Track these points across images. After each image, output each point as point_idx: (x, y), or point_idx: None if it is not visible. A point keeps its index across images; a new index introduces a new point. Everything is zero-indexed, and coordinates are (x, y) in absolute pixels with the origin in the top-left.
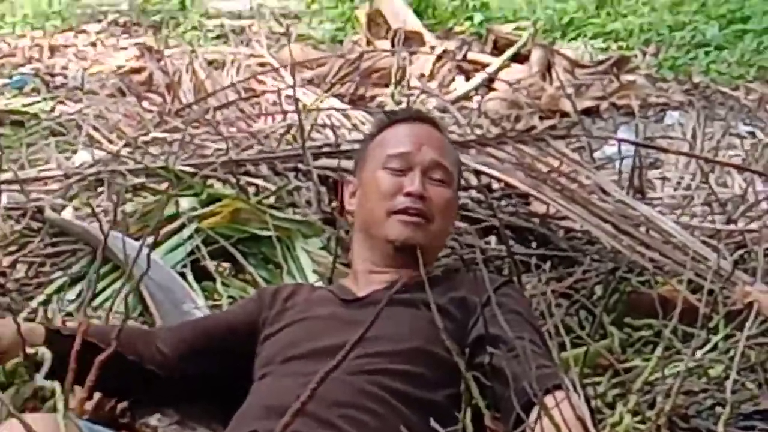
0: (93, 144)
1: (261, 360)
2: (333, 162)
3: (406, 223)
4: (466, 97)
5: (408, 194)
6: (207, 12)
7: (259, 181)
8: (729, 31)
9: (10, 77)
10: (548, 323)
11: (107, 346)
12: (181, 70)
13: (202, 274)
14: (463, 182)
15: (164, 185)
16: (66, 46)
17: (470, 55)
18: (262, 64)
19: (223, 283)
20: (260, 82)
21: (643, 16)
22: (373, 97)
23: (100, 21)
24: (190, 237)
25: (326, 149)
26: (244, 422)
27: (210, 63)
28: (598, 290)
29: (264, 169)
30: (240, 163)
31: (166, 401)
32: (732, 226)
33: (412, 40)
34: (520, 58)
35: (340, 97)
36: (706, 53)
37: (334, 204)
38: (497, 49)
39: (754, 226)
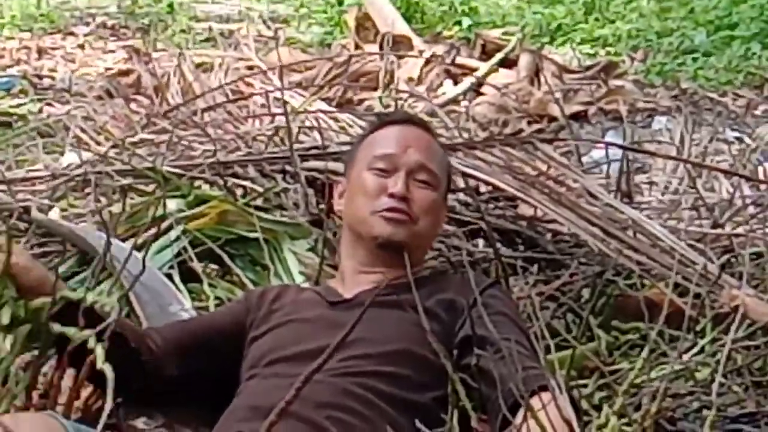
0: (80, 145)
1: (247, 362)
2: (320, 164)
3: (389, 220)
4: (455, 101)
5: (391, 195)
6: (195, 15)
7: (247, 183)
8: (717, 37)
9: None
10: (535, 326)
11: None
12: (169, 73)
13: (189, 276)
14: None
15: (151, 187)
16: (54, 49)
17: (458, 60)
18: (250, 67)
19: (210, 285)
20: (248, 84)
21: (631, 22)
22: (361, 101)
23: (88, 24)
24: (177, 238)
25: (314, 151)
26: (230, 424)
27: (198, 66)
28: (586, 293)
29: (251, 170)
30: (227, 164)
31: (153, 401)
32: (719, 230)
33: (400, 44)
34: (508, 62)
35: (328, 100)
36: (694, 59)
37: (322, 206)
38: (485, 54)
39: (740, 230)
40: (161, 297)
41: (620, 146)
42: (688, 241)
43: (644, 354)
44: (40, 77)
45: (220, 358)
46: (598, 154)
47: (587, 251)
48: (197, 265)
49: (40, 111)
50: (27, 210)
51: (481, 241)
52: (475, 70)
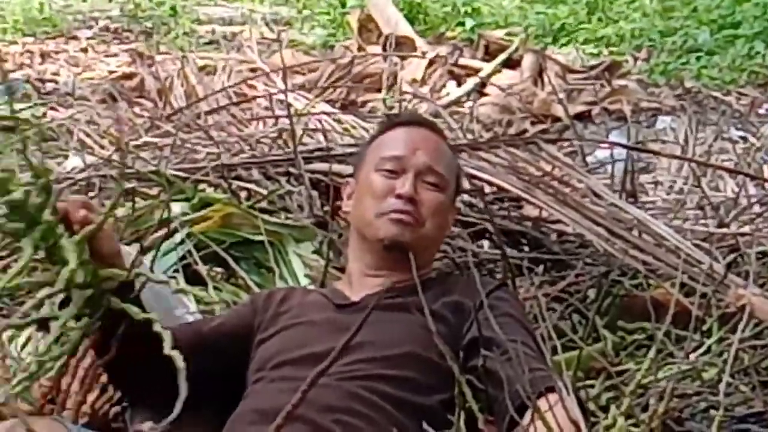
0: (84, 149)
1: (254, 365)
2: (325, 166)
3: (395, 222)
4: (458, 102)
5: (398, 196)
6: (198, 18)
7: (251, 186)
8: (720, 36)
9: (1, 83)
10: (542, 327)
11: None
12: (172, 76)
13: (194, 279)
14: None
15: (156, 190)
16: (57, 52)
17: (462, 61)
18: (253, 70)
19: (215, 288)
20: (251, 87)
21: (635, 22)
22: (364, 103)
23: (91, 27)
24: (182, 242)
25: (318, 153)
26: (237, 427)
27: (201, 69)
28: (591, 293)
29: (255, 173)
30: (231, 167)
31: (160, 404)
32: (724, 230)
33: (403, 45)
34: (511, 63)
35: (331, 102)
36: (698, 58)
37: (326, 208)
38: (489, 55)
39: (746, 229)
40: (166, 301)
41: (624, 146)
42: (694, 240)
43: (651, 354)
44: (43, 81)
45: (226, 361)
46: (602, 154)
47: (592, 251)
48: (202, 268)
49: (44, 115)
50: None
51: (486, 243)
52: (478, 70)
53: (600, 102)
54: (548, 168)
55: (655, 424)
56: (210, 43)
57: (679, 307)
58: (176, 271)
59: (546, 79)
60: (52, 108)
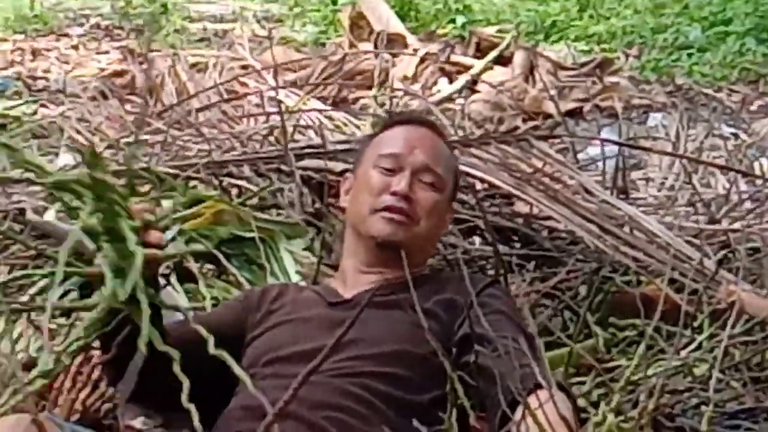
0: (75, 146)
1: (246, 361)
2: (316, 163)
3: (388, 220)
4: (450, 99)
5: (393, 194)
6: (189, 15)
7: (242, 183)
8: (711, 33)
9: None
10: (532, 323)
11: None
12: (163, 73)
13: (185, 276)
14: None
15: (147, 187)
16: (48, 50)
17: (453, 58)
18: (244, 67)
19: (206, 285)
20: (243, 84)
21: (626, 19)
22: (356, 100)
23: (82, 25)
24: (173, 239)
25: (309, 150)
26: (227, 424)
27: (192, 66)
28: (583, 290)
29: (247, 170)
30: (222, 164)
31: (152, 400)
32: (715, 226)
33: (395, 42)
34: (503, 60)
35: (323, 99)
36: (689, 55)
37: (317, 205)
38: (480, 52)
39: (737, 225)
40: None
41: (616, 143)
42: (685, 236)
43: (640, 350)
44: (34, 79)
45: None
46: (593, 150)
47: (584, 248)
48: (193, 265)
49: (35, 112)
50: (22, 211)
51: (477, 239)
52: (469, 67)
53: (591, 99)
54: (539, 165)
55: (645, 420)
56: (201, 40)
57: (670, 304)
58: (167, 267)
59: (537, 76)
60: (43, 105)
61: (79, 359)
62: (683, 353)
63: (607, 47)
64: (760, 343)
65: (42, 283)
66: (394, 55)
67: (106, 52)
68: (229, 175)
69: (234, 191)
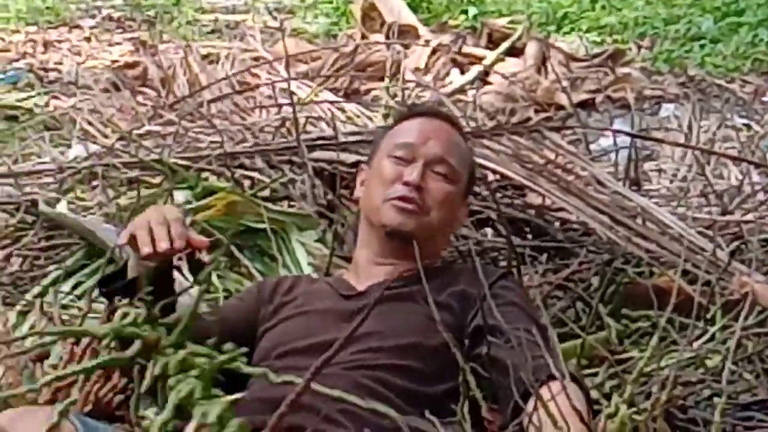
0: (87, 138)
1: (259, 353)
2: (328, 154)
3: (398, 209)
4: (462, 90)
5: (405, 183)
6: (201, 7)
7: (254, 174)
8: (724, 23)
9: (5, 72)
10: (545, 315)
11: None
12: (175, 65)
13: (197, 267)
14: None
15: (159, 179)
16: (60, 42)
17: (465, 49)
18: (256, 59)
19: (218, 276)
20: (255, 75)
21: (638, 10)
22: (368, 91)
23: (94, 16)
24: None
25: (321, 142)
26: (240, 415)
27: (204, 57)
28: (595, 281)
29: (259, 161)
30: (235, 155)
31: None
32: (728, 217)
33: (406, 33)
34: (515, 51)
35: (334, 90)
36: (701, 46)
37: (329, 196)
38: (492, 43)
39: (750, 216)
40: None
41: (628, 134)
42: (698, 228)
43: (653, 342)
44: (46, 70)
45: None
46: (606, 142)
47: (596, 239)
48: (206, 257)
49: (47, 104)
50: (34, 203)
51: (489, 230)
52: (481, 59)
53: (603, 90)
54: (552, 156)
55: (657, 412)
56: (213, 31)
57: (683, 295)
58: (180, 259)
59: (549, 68)
60: (55, 97)
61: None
62: (696, 345)
63: (619, 38)
64: None
65: (54, 274)
66: (406, 47)
67: (118, 44)
68: (241, 166)
69: (246, 183)
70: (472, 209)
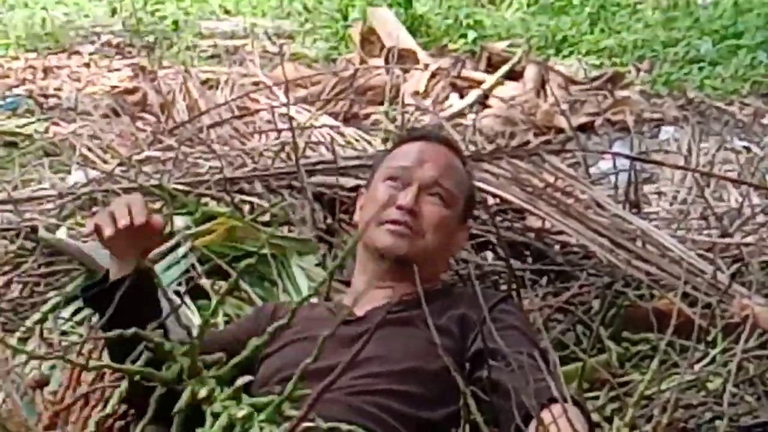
0: (87, 164)
1: (258, 380)
2: (327, 179)
3: (392, 233)
4: (461, 114)
5: (399, 207)
6: (200, 32)
7: (254, 199)
8: (723, 46)
9: (4, 99)
10: (545, 338)
11: None
12: (174, 90)
13: (197, 293)
14: None
15: (158, 204)
16: (59, 68)
17: (464, 73)
18: (255, 83)
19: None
20: (254, 100)
21: (637, 33)
22: (367, 115)
23: (93, 42)
24: (185, 255)
25: (320, 166)
26: None
27: (203, 83)
28: (596, 305)
29: (258, 186)
30: (234, 180)
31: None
32: (728, 240)
33: (405, 57)
34: (514, 75)
35: (334, 115)
36: (700, 69)
37: (329, 221)
38: (491, 67)
39: (750, 239)
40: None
41: (628, 156)
42: (698, 250)
43: (654, 365)
44: (45, 96)
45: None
46: (605, 165)
47: (596, 262)
48: (206, 282)
49: (46, 130)
50: (34, 229)
51: (489, 254)
52: (481, 82)
53: (603, 113)
54: (551, 179)
55: None
56: (212, 57)
57: (683, 318)
58: (180, 284)
59: (549, 91)
60: (54, 123)
61: (91, 377)
62: (697, 367)
63: (618, 61)
64: None
65: (54, 300)
66: (405, 71)
67: (118, 70)
68: (241, 191)
69: (246, 208)
70: (472, 233)
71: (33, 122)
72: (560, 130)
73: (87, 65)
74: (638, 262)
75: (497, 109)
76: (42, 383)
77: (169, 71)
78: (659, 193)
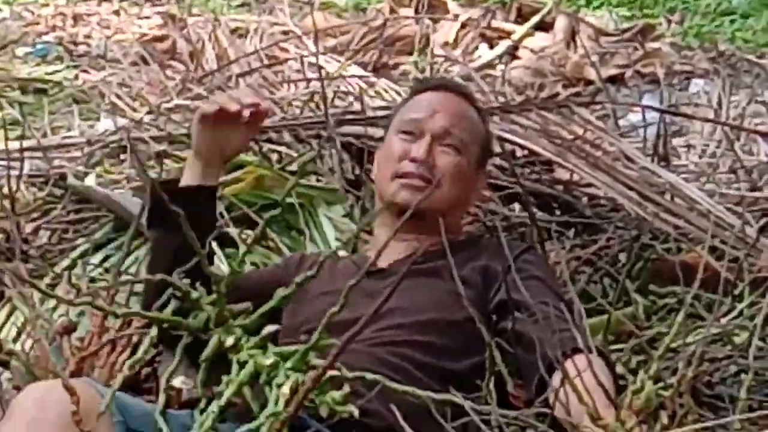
0: (116, 112)
1: (283, 331)
2: (356, 129)
3: (407, 186)
4: (490, 65)
5: (412, 160)
6: None
7: (282, 148)
8: None
9: (34, 46)
10: (571, 290)
11: None
12: (203, 39)
13: (225, 241)
14: None
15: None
16: (89, 15)
17: (494, 23)
18: (285, 33)
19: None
20: (283, 49)
21: None
22: (396, 65)
23: None
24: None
25: (349, 116)
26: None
27: (233, 31)
28: (622, 257)
29: (287, 136)
30: (263, 130)
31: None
32: (757, 193)
33: (436, 8)
34: (544, 26)
35: (363, 65)
36: (732, 21)
37: (357, 171)
38: (521, 17)
39: None
40: None
41: (657, 109)
42: (726, 204)
43: (680, 318)
44: (75, 44)
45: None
46: (635, 117)
47: (624, 215)
48: (233, 231)
49: (76, 78)
50: (63, 176)
51: (517, 206)
52: (510, 33)
53: (633, 65)
54: (580, 131)
55: (683, 388)
56: (242, 5)
57: (710, 271)
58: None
59: (578, 42)
60: (84, 71)
61: (118, 323)
62: (723, 321)
63: (650, 13)
64: None
65: (83, 247)
66: (435, 21)
67: (147, 18)
68: (269, 140)
69: (274, 157)
70: (500, 185)
71: (62, 69)
72: (590, 82)
73: (116, 13)
74: (666, 215)
75: (527, 60)
76: (69, 330)
77: (198, 19)
78: (688, 146)
